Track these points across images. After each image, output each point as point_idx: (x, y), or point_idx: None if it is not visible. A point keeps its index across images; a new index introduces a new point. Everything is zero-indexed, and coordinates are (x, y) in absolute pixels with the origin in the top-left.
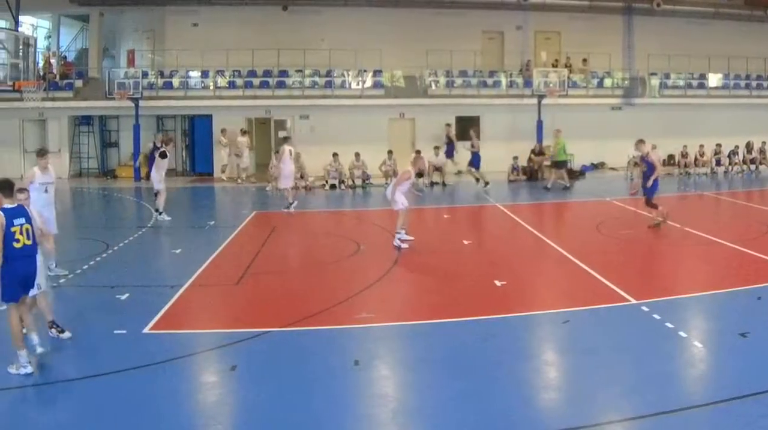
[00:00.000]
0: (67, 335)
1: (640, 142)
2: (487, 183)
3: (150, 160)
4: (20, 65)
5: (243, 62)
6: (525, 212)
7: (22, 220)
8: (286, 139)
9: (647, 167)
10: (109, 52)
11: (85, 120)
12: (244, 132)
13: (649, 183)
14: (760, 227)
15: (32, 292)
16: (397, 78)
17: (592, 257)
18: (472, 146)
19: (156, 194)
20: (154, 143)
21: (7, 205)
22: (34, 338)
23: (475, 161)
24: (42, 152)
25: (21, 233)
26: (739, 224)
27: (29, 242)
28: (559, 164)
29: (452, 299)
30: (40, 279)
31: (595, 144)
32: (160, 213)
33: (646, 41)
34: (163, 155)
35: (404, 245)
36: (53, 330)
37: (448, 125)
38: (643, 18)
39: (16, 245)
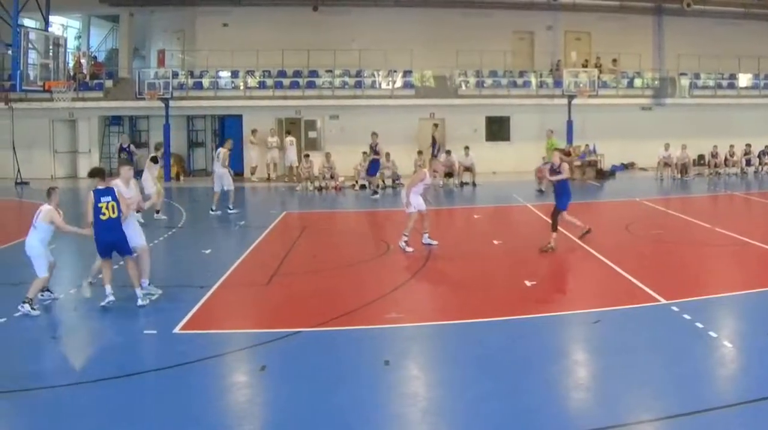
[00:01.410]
0: (151, 294)
1: (557, 151)
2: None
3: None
4: (50, 65)
5: (273, 62)
6: None
7: (109, 198)
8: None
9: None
10: (139, 52)
11: (115, 120)
12: (288, 132)
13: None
14: None
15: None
16: (427, 78)
17: (622, 256)
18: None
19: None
20: (121, 145)
21: (99, 186)
22: (108, 288)
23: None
24: (123, 162)
25: (107, 208)
26: None
27: (114, 215)
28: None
29: (482, 299)
30: (135, 243)
31: (625, 144)
32: (158, 211)
33: (676, 41)
34: (155, 160)
35: (408, 249)
36: (138, 289)
37: (435, 125)
38: (674, 18)
39: (102, 218)
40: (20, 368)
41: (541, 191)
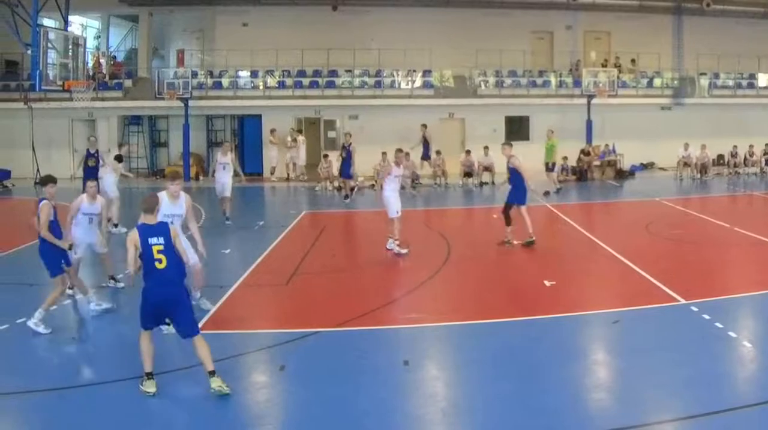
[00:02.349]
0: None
1: (506, 145)
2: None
3: (88, 168)
4: (70, 65)
5: (292, 62)
6: (574, 212)
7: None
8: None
9: (511, 174)
10: (158, 52)
11: (135, 120)
12: (299, 131)
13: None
14: None
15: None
16: (447, 78)
17: (641, 257)
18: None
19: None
20: (88, 150)
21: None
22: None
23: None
24: (174, 175)
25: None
26: None
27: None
28: (548, 166)
29: (502, 299)
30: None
31: (644, 144)
32: (116, 225)
33: (695, 41)
34: (119, 159)
35: (400, 251)
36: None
37: (424, 126)
38: (693, 18)
39: (158, 266)
40: (40, 368)
41: (547, 194)
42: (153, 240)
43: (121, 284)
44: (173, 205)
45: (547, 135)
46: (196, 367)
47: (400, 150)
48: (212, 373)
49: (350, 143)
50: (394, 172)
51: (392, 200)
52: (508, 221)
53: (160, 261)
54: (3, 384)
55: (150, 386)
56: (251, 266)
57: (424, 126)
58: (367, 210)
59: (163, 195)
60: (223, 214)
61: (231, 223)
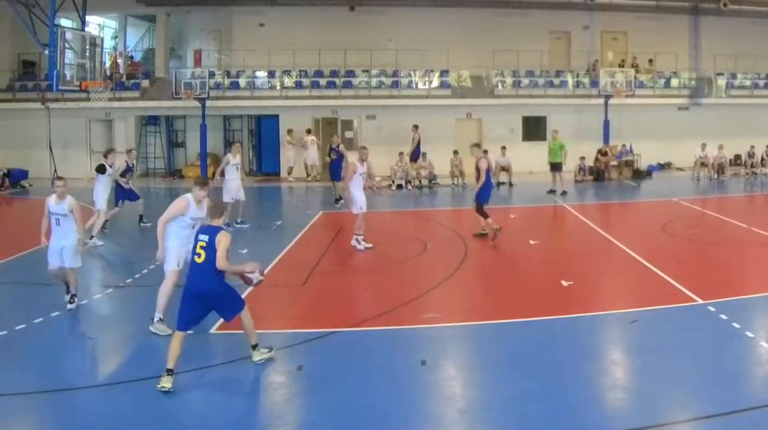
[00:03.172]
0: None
1: (475, 146)
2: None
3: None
4: (87, 65)
5: (310, 62)
6: (592, 212)
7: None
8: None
9: (478, 173)
10: (175, 52)
11: (152, 120)
12: (309, 131)
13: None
14: None
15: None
16: (464, 78)
17: (658, 257)
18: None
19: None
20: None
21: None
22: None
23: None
24: (202, 182)
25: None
26: None
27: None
28: (554, 166)
29: (519, 299)
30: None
31: (661, 144)
32: (92, 237)
33: (712, 41)
34: (102, 170)
35: (366, 246)
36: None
37: (416, 127)
38: (710, 18)
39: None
40: (57, 368)
41: (563, 192)
42: (202, 236)
43: (71, 306)
44: (198, 209)
45: (552, 135)
46: (213, 367)
47: (364, 147)
48: (254, 346)
49: (339, 144)
50: (359, 170)
51: (357, 197)
52: (484, 215)
53: (200, 256)
54: (21, 384)
55: (167, 382)
56: (268, 266)
57: (416, 127)
58: (385, 211)
59: (189, 197)
60: (236, 218)
61: (247, 225)
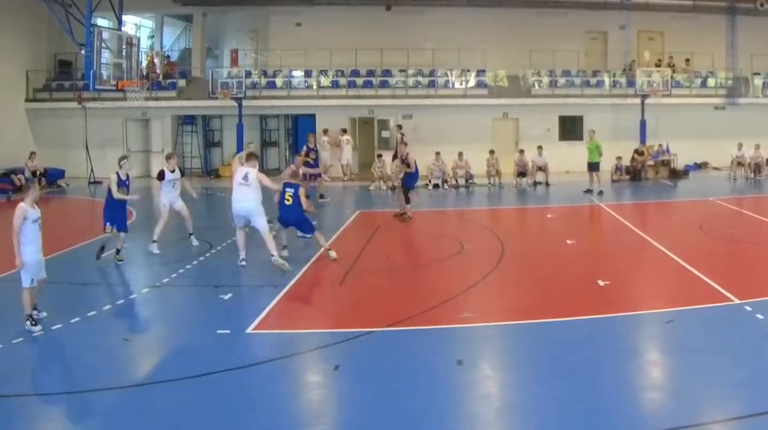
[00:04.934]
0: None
1: (401, 144)
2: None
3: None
4: (123, 65)
5: (346, 62)
6: (628, 212)
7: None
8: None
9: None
10: (212, 51)
11: (189, 119)
12: (344, 131)
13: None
14: None
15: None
16: (501, 78)
17: (695, 256)
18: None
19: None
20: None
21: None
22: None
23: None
24: (250, 155)
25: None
26: None
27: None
28: (591, 166)
29: (555, 299)
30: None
31: (698, 144)
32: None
33: (749, 41)
34: (160, 177)
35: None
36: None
37: (399, 127)
38: (747, 18)
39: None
40: (93, 368)
41: (600, 192)
42: (288, 189)
43: (37, 329)
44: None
45: (588, 135)
46: (249, 367)
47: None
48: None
49: (315, 144)
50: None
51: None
52: (407, 200)
53: (288, 200)
54: (57, 384)
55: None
56: (305, 265)
57: (399, 127)
58: (422, 210)
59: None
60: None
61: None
